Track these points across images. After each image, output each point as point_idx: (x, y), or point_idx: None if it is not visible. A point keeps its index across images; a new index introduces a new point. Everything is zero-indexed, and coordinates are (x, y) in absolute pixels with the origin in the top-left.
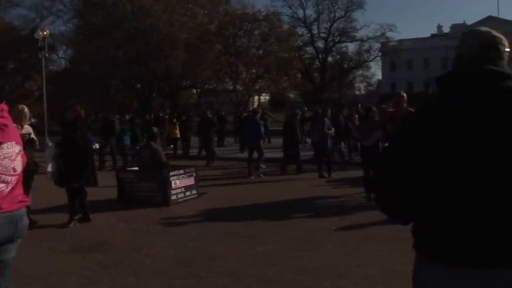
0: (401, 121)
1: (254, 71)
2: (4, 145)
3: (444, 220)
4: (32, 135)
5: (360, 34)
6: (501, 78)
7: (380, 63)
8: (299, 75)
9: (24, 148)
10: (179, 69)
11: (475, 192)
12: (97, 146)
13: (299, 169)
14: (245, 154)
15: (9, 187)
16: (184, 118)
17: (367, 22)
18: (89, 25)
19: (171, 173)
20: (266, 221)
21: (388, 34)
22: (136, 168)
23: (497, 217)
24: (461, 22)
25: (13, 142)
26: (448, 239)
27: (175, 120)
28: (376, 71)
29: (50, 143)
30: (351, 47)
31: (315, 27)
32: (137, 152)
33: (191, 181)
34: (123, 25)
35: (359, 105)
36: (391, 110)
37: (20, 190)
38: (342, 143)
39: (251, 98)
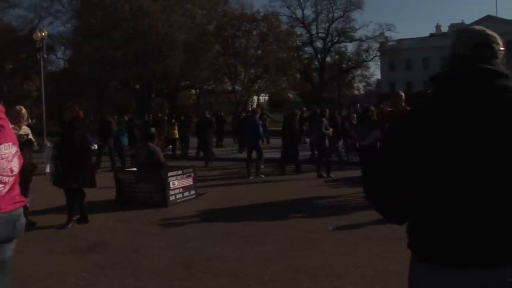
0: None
1: (252, 71)
2: (1, 146)
3: (437, 220)
4: (30, 136)
5: (358, 34)
6: (496, 77)
7: (379, 63)
8: (298, 75)
9: (21, 149)
10: (178, 70)
11: (468, 192)
12: (95, 147)
13: (298, 169)
14: (244, 155)
15: (7, 188)
16: (183, 118)
17: (366, 22)
18: (87, 25)
19: (169, 174)
20: (264, 221)
21: (387, 34)
22: (135, 169)
23: (490, 217)
24: (460, 21)
25: (10, 143)
26: (440, 239)
27: (173, 120)
28: (375, 71)
29: (48, 144)
30: (350, 47)
31: (313, 27)
32: (135, 153)
33: (189, 181)
34: (121, 26)
35: (358, 105)
36: (389, 109)
37: (17, 190)
38: (340, 143)
39: (250, 99)
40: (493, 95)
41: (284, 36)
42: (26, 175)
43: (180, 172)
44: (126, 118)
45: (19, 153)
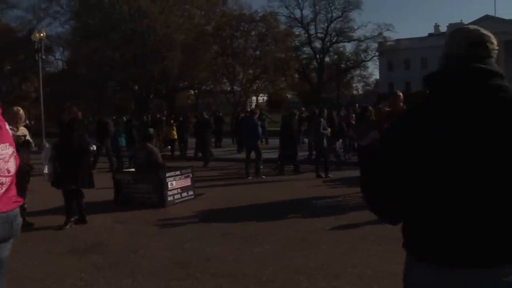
0: None
1: (251, 71)
2: None
3: (432, 220)
4: (28, 137)
5: (357, 34)
6: (490, 76)
7: (377, 63)
8: (296, 76)
9: (19, 150)
10: (176, 71)
11: (463, 191)
12: (94, 147)
13: (297, 169)
14: (242, 155)
15: (4, 188)
16: (181, 119)
17: (364, 22)
18: (86, 26)
19: (167, 174)
20: (263, 221)
21: (386, 33)
22: (133, 170)
23: (485, 217)
24: (459, 21)
25: (7, 144)
26: (435, 239)
27: (172, 121)
28: (373, 71)
29: (47, 145)
30: (349, 47)
31: (312, 27)
32: (133, 154)
33: (187, 182)
34: (120, 27)
35: (356, 105)
36: (387, 109)
37: (14, 191)
38: (337, 143)
39: (248, 99)
40: (488, 94)
41: (282, 36)
42: (22, 176)
43: (178, 172)
44: (124, 119)
45: (15, 153)
